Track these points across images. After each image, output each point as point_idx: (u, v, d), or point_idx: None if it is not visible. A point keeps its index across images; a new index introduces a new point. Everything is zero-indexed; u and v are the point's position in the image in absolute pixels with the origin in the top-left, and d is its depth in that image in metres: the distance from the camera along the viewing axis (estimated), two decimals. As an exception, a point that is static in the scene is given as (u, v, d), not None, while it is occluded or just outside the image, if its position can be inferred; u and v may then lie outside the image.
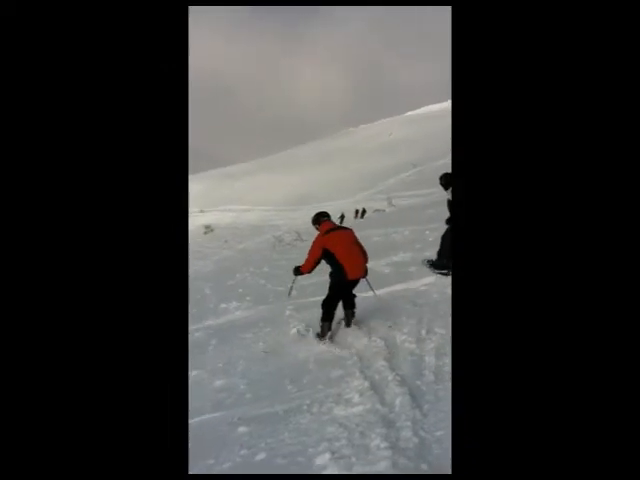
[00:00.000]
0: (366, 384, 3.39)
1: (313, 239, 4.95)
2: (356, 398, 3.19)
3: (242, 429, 3.14)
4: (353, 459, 2.41)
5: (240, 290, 10.46)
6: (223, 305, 9.11)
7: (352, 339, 4.65)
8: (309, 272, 4.96)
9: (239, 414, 3.45)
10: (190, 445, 3.09)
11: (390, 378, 3.38)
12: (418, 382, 3.23)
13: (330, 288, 4.88)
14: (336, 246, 4.71)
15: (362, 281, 5.01)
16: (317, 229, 5.08)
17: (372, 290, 5.36)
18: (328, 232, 4.82)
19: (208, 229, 51.42)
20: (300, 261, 5.21)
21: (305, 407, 3.27)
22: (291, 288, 5.81)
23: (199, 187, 75.62)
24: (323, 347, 4.63)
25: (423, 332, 4.25)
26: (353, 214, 32.45)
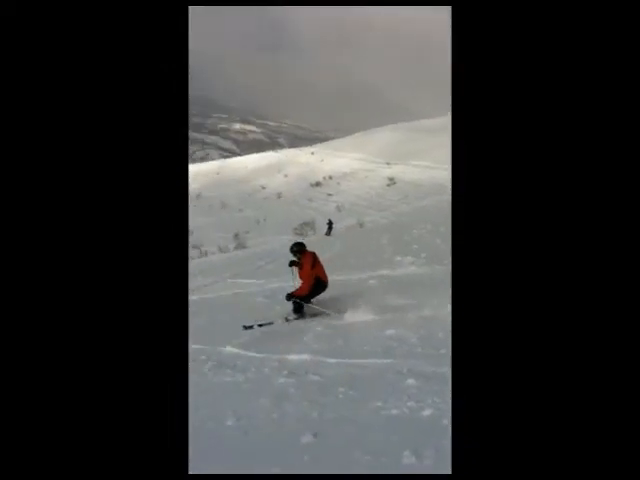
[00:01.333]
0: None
1: (303, 267, 5.99)
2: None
3: (410, 381, 3.15)
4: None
5: (415, 246, 10.44)
6: (398, 258, 9.20)
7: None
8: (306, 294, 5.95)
9: (408, 366, 3.48)
10: (360, 387, 3.23)
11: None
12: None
13: (308, 294, 5.92)
14: (320, 271, 6.02)
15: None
16: (297, 257, 6.11)
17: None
18: (314, 265, 5.96)
19: (391, 182, 51.83)
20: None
21: (476, 376, 3.15)
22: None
23: (388, 138, 75.93)
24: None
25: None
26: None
